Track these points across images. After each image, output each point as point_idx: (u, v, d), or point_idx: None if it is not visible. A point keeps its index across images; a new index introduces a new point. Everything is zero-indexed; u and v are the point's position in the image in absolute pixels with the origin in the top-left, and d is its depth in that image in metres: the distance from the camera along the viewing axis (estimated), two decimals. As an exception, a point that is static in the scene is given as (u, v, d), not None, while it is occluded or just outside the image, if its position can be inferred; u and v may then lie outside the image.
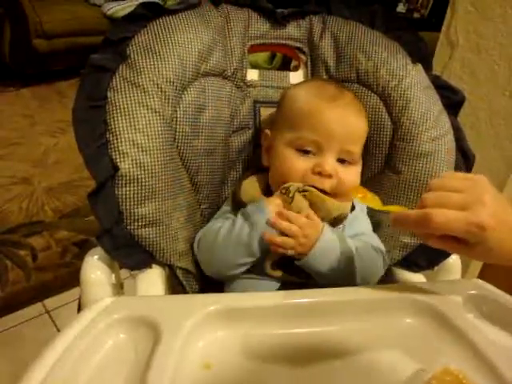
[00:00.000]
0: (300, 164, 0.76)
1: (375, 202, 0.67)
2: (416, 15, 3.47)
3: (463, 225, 0.53)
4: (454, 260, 0.82)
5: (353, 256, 0.71)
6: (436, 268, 0.83)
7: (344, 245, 0.73)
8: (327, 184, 0.75)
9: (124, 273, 0.77)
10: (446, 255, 0.81)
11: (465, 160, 0.86)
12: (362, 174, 0.89)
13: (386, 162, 0.87)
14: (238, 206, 0.79)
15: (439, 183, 0.59)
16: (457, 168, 0.84)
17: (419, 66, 0.87)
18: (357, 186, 0.76)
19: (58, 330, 1.49)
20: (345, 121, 0.76)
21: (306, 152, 0.76)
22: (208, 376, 0.53)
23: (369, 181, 0.89)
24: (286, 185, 0.74)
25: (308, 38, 0.91)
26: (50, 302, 1.65)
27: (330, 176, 0.75)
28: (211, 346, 0.57)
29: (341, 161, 0.77)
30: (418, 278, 0.79)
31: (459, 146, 0.86)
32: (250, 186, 0.82)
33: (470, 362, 0.55)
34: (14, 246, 1.89)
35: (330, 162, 0.75)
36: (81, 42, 3.32)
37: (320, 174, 0.75)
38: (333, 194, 0.76)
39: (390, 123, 0.85)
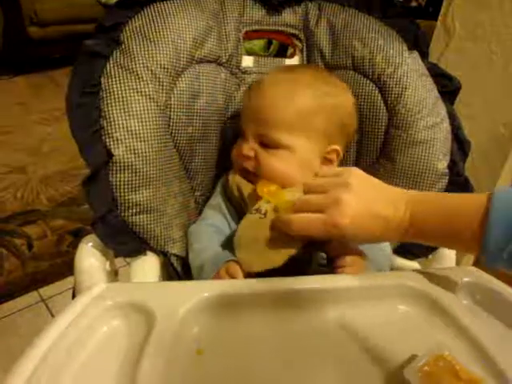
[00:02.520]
0: (235, 149, 0.80)
1: (282, 200, 0.68)
2: (413, 3, 3.45)
3: (321, 227, 0.58)
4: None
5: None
6: (431, 256, 0.83)
7: None
8: (248, 164, 0.77)
9: (120, 261, 0.76)
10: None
11: (460, 147, 0.86)
12: (357, 162, 0.89)
13: (381, 151, 0.86)
14: (229, 198, 0.80)
15: (310, 184, 0.65)
16: (452, 155, 0.84)
17: (415, 54, 0.87)
18: (264, 181, 0.75)
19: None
20: (260, 107, 0.76)
21: (243, 139, 0.79)
22: (201, 362, 0.53)
23: (364, 169, 0.88)
24: (255, 206, 0.73)
25: (304, 25, 0.90)
26: (46, 291, 1.65)
27: (247, 157, 0.77)
28: (205, 333, 0.57)
29: (264, 145, 0.77)
30: (412, 265, 0.79)
31: (455, 134, 0.85)
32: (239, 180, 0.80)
33: (464, 349, 0.55)
34: (10, 234, 1.88)
35: (247, 145, 0.77)
36: (75, 29, 3.29)
37: (241, 156, 0.77)
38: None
39: (385, 111, 0.84)
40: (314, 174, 0.77)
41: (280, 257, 0.65)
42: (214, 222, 0.79)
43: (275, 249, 0.67)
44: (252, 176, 0.77)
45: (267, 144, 0.76)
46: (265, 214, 0.69)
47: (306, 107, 0.76)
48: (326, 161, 0.80)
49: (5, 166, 2.31)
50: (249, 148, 0.77)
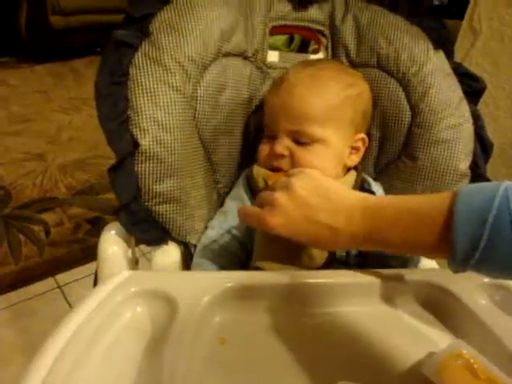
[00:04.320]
0: (264, 148, 0.81)
1: None
2: (436, 2, 3.41)
3: (255, 221, 0.61)
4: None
5: None
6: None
7: None
8: (282, 163, 0.78)
9: (138, 252, 0.78)
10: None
11: (483, 149, 0.85)
12: (378, 159, 0.89)
13: (403, 149, 0.86)
14: (253, 190, 0.80)
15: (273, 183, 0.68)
16: (475, 156, 0.84)
17: (441, 53, 0.86)
18: (279, 174, 0.77)
19: (69, 305, 1.51)
20: (290, 104, 0.77)
21: (270, 137, 0.80)
22: (223, 351, 0.54)
23: (385, 167, 0.89)
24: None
25: (330, 21, 0.90)
26: (62, 277, 1.67)
27: (281, 155, 0.77)
28: (227, 322, 0.57)
29: (297, 142, 0.78)
30: (430, 264, 0.79)
31: (478, 135, 0.85)
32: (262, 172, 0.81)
33: (483, 347, 0.55)
34: (28, 221, 1.91)
35: (280, 143, 0.78)
36: (97, 19, 3.31)
37: (274, 155, 0.78)
38: None
39: (408, 109, 0.84)
40: (344, 166, 0.78)
41: (306, 265, 0.68)
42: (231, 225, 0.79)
43: (303, 257, 0.68)
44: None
45: (301, 140, 0.77)
46: None
47: (335, 100, 0.78)
48: (354, 149, 0.82)
49: (24, 153, 2.33)
50: (283, 146, 0.77)
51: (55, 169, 2.24)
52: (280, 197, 0.59)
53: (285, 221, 0.57)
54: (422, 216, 0.50)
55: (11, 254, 1.73)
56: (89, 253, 1.70)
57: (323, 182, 0.60)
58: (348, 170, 0.84)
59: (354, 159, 0.83)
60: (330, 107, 0.77)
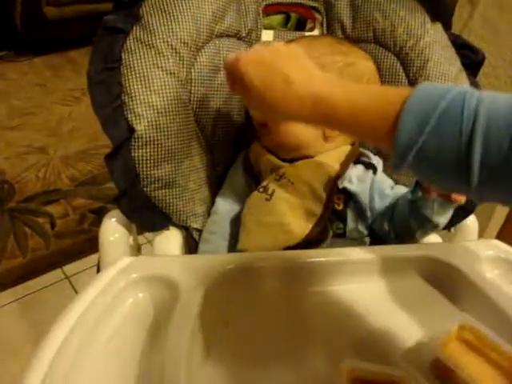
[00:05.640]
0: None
1: None
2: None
3: (231, 63, 0.58)
4: (472, 221, 0.82)
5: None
6: (453, 229, 0.82)
7: None
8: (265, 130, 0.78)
9: (141, 239, 0.78)
10: (464, 216, 0.80)
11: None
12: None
13: (402, 123, 0.85)
14: (251, 172, 0.80)
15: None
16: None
17: (438, 25, 0.85)
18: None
19: (78, 295, 1.52)
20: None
21: None
22: (226, 333, 0.54)
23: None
24: (263, 183, 0.75)
25: (324, -3, 0.89)
26: (69, 268, 1.68)
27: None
28: (229, 304, 0.58)
29: None
30: (434, 238, 0.79)
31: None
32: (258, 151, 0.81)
33: (488, 320, 0.54)
34: (33, 213, 1.91)
35: None
36: (92, 9, 3.27)
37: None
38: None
39: (407, 83, 0.83)
40: (320, 133, 0.77)
41: (285, 242, 0.69)
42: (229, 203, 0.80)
43: (281, 233, 0.70)
44: (265, 131, 0.78)
45: None
46: (271, 196, 0.71)
47: (318, 60, 0.75)
48: None
49: (26, 146, 2.33)
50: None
51: (58, 161, 2.24)
52: (259, 47, 0.62)
53: (255, 60, 0.57)
54: (378, 102, 0.48)
55: (18, 247, 1.74)
56: (94, 243, 1.68)
57: (302, 57, 0.58)
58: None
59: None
60: None
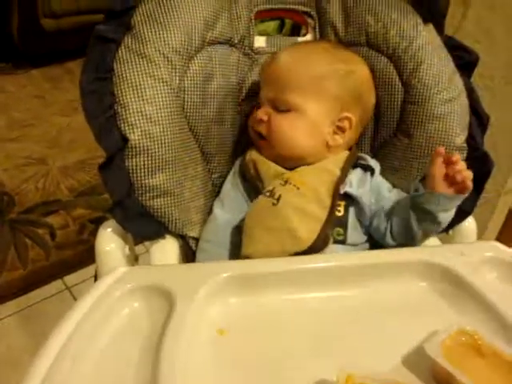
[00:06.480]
0: (252, 115, 0.83)
1: None
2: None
3: None
4: (470, 223, 0.81)
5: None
6: (451, 231, 0.82)
7: None
8: (261, 128, 0.79)
9: (139, 248, 0.77)
10: (462, 218, 0.79)
11: (479, 122, 0.84)
12: (375, 137, 0.88)
13: (398, 127, 0.85)
14: (245, 177, 0.80)
15: None
16: (471, 130, 0.82)
17: (431, 26, 0.85)
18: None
19: (79, 306, 1.51)
20: (275, 72, 0.79)
21: (259, 105, 0.82)
22: (222, 342, 0.54)
23: (382, 147, 0.88)
24: (269, 187, 0.75)
25: (316, 2, 0.88)
26: (70, 279, 1.68)
27: (261, 120, 0.79)
28: (225, 313, 0.57)
29: (277, 109, 0.78)
30: (433, 241, 0.79)
31: (473, 108, 0.84)
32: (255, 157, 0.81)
33: (487, 324, 0.54)
34: (33, 224, 1.91)
35: (262, 109, 0.80)
36: (88, 20, 3.27)
37: (256, 120, 0.80)
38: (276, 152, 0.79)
39: (400, 86, 0.83)
40: (324, 143, 0.77)
41: (293, 248, 0.68)
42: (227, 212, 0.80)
43: (288, 239, 0.69)
44: (266, 144, 0.79)
45: (280, 107, 0.78)
46: (278, 200, 0.70)
47: (319, 70, 0.78)
48: (339, 129, 0.80)
49: (26, 158, 2.33)
50: (263, 112, 0.79)
51: (57, 171, 2.24)
52: None
53: None
54: None
55: (19, 259, 1.74)
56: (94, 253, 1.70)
57: None
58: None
59: (338, 140, 0.80)
60: (313, 77, 0.78)
